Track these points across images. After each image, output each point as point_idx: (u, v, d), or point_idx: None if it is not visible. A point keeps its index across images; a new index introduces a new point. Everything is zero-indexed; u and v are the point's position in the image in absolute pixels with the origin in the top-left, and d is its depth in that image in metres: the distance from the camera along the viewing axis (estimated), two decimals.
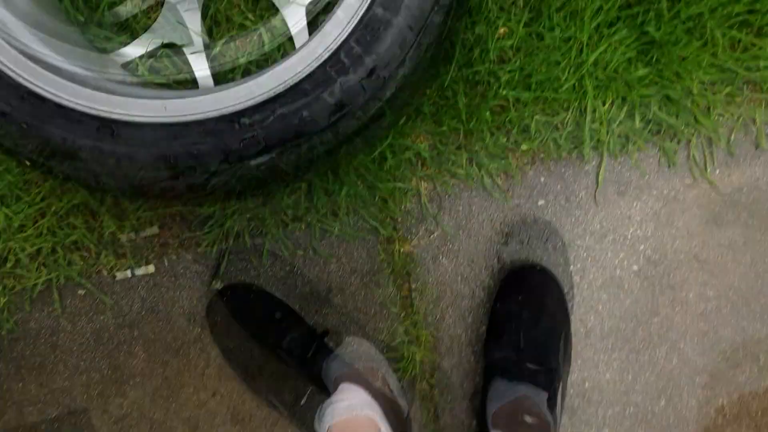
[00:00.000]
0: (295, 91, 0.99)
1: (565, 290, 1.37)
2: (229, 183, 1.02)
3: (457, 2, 0.98)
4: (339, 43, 0.98)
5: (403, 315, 1.39)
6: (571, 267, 1.38)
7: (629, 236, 1.37)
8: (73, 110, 1.00)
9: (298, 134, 1.00)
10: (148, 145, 1.00)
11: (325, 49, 0.98)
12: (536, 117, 1.28)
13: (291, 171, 1.03)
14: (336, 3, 1.02)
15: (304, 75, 0.99)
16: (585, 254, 1.38)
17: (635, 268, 1.38)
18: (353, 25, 0.97)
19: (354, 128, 1.01)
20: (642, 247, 1.38)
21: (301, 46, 1.01)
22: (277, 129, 0.99)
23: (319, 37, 0.99)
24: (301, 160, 1.02)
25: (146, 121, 1.00)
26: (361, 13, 0.97)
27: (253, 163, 1.00)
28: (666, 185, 1.36)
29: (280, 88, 0.99)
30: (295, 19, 1.20)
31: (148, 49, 1.23)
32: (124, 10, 1.21)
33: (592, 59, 1.24)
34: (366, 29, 0.97)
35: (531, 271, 1.34)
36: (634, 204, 1.37)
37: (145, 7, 1.21)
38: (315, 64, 0.99)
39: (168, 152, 1.00)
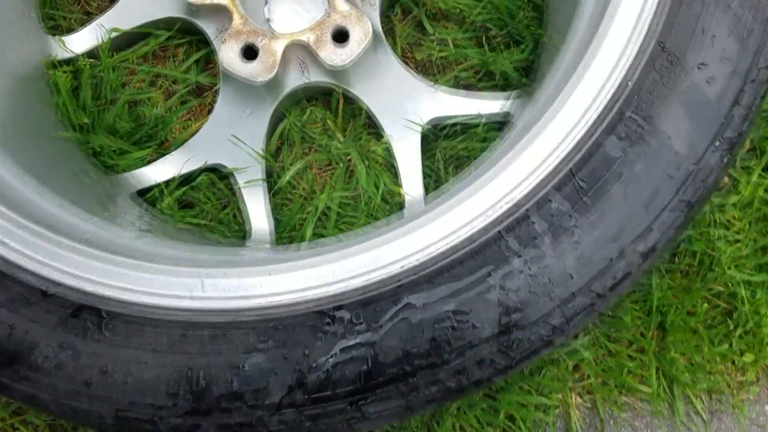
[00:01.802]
0: (436, 271, 0.54)
1: None
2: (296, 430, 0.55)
3: (743, 131, 0.54)
4: (527, 190, 0.54)
5: None
6: None
7: None
8: (18, 282, 0.56)
9: (437, 350, 0.53)
10: (159, 353, 0.55)
11: (498, 202, 0.54)
12: None
13: (407, 413, 0.56)
14: (511, 126, 0.60)
15: (454, 243, 0.54)
16: None
17: None
18: (558, 165, 0.53)
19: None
20: None
21: (448, 193, 0.57)
22: (400, 338, 0.53)
23: (486, 180, 0.55)
24: (436, 399, 0.54)
25: (166, 305, 0.56)
26: (576, 145, 0.53)
27: (346, 403, 0.53)
28: None
29: (409, 265, 0.54)
30: (406, 147, 0.77)
31: (181, 172, 0.81)
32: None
33: None
34: (585, 175, 0.53)
35: None
36: None
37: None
38: (475, 227, 0.54)
39: (191, 366, 0.55)
